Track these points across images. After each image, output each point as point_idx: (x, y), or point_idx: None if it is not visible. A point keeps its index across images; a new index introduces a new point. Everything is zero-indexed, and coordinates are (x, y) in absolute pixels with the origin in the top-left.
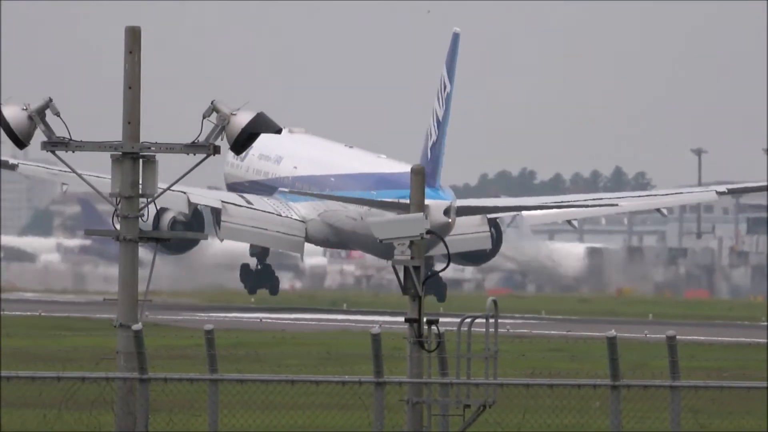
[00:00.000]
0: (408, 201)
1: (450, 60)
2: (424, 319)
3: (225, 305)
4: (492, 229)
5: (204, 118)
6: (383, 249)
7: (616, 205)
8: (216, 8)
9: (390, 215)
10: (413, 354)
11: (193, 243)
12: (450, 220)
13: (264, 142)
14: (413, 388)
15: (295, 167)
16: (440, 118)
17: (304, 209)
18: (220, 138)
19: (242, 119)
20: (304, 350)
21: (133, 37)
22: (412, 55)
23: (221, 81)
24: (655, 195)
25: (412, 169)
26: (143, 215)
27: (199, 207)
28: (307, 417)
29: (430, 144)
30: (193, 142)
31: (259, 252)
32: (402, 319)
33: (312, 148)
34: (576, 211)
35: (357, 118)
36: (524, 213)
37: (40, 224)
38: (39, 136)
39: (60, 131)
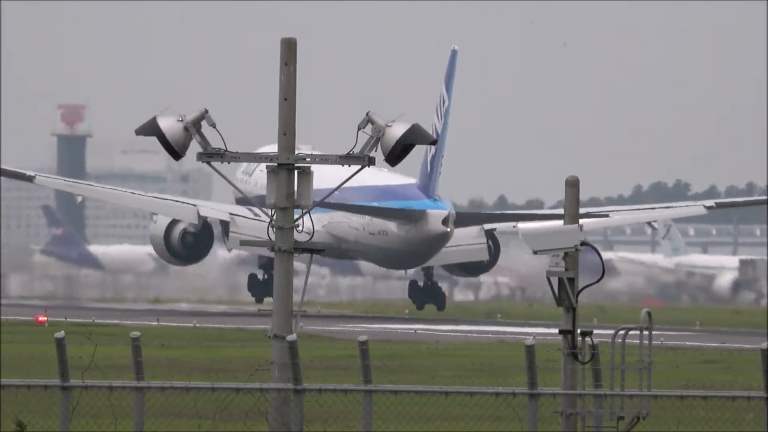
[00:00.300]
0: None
1: (448, 76)
2: (578, 331)
3: (379, 315)
4: (489, 240)
5: (359, 129)
6: (384, 258)
7: (608, 215)
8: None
9: (541, 226)
10: (567, 365)
11: (204, 252)
12: (448, 229)
13: None
14: (567, 399)
15: None
16: (439, 132)
17: (308, 221)
18: (374, 149)
19: (397, 131)
20: (458, 362)
21: (289, 48)
22: (411, 72)
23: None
24: (646, 208)
25: (567, 181)
26: (298, 226)
27: (208, 219)
28: (460, 428)
29: (429, 157)
30: (348, 154)
31: (266, 263)
32: (556, 330)
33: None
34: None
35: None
36: (520, 225)
37: None
38: (195, 147)
39: (215, 142)
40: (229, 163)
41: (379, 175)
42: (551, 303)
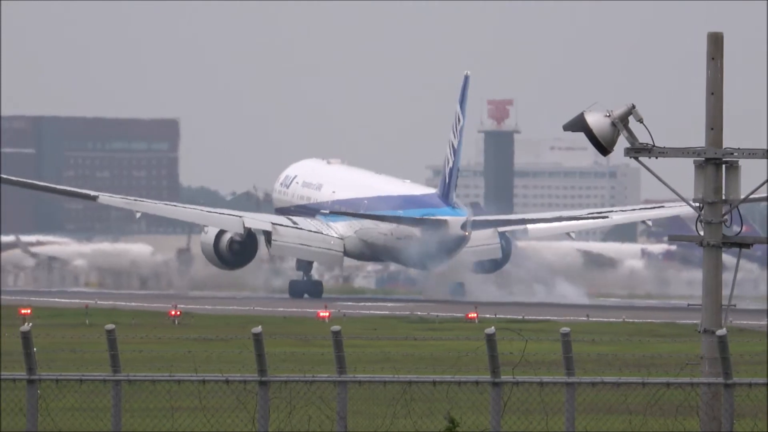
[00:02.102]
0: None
1: (462, 97)
2: None
3: None
4: (502, 241)
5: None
6: (409, 260)
7: (607, 217)
8: None
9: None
10: None
11: (249, 258)
12: (467, 233)
13: (306, 171)
14: None
15: (334, 192)
16: (455, 147)
17: (342, 228)
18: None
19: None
20: None
21: (715, 43)
22: (429, 94)
23: None
24: (642, 209)
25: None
26: (726, 221)
27: (252, 229)
28: None
29: (447, 170)
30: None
31: (305, 265)
32: None
33: (347, 176)
34: (573, 224)
35: (384, 149)
36: (529, 226)
37: (625, 230)
38: (622, 143)
39: (643, 137)
40: (656, 158)
41: (403, 186)
42: None
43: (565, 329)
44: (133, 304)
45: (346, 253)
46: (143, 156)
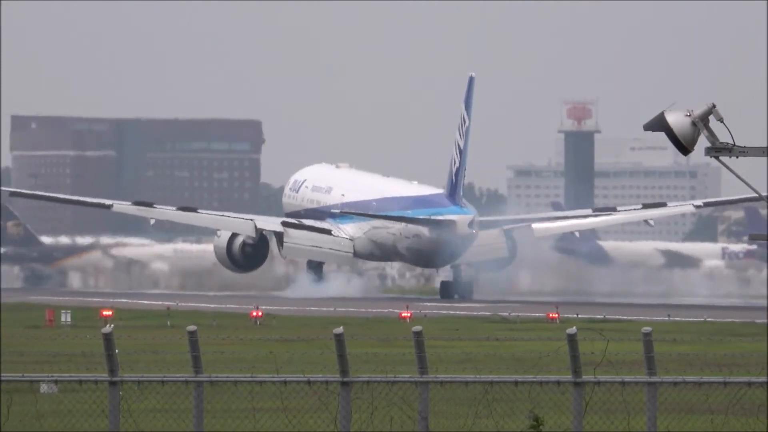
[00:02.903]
0: (438, 217)
1: (467, 99)
2: None
3: None
4: (507, 240)
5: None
6: (418, 259)
7: (611, 213)
8: None
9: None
10: None
11: (261, 260)
12: (474, 231)
13: (316, 176)
14: None
15: (343, 195)
16: (461, 148)
17: (351, 229)
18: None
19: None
20: None
21: None
22: (436, 96)
23: None
24: (639, 209)
25: None
26: None
27: (264, 232)
28: None
29: (453, 170)
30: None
31: (316, 266)
32: None
33: (356, 179)
34: (578, 223)
35: (391, 152)
36: (533, 225)
37: (705, 230)
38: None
39: (723, 137)
40: (737, 157)
41: (411, 187)
42: None
43: (647, 329)
44: (213, 305)
45: (356, 253)
46: (225, 157)
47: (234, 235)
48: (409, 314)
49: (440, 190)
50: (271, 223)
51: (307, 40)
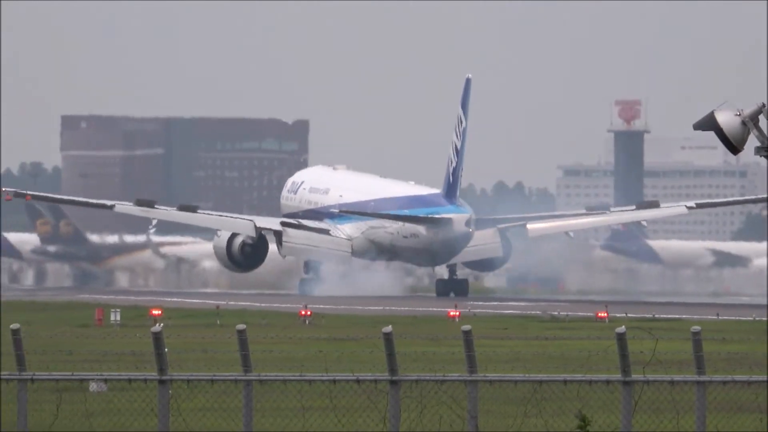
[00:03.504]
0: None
1: (464, 100)
2: None
3: None
4: (502, 240)
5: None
6: (416, 258)
7: (606, 213)
8: None
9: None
10: None
11: (261, 260)
12: (471, 230)
13: (313, 177)
14: None
15: (341, 195)
16: (458, 148)
17: (349, 229)
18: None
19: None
20: None
21: None
22: (433, 96)
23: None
24: (631, 210)
25: None
26: None
27: (263, 231)
28: None
29: (450, 170)
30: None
31: (314, 265)
32: None
33: (354, 180)
34: (572, 223)
35: (388, 153)
36: (528, 225)
37: (754, 229)
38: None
39: None
40: None
41: (408, 188)
42: None
43: (696, 328)
44: (263, 304)
45: (354, 253)
46: (275, 156)
47: (234, 235)
48: (457, 313)
49: (437, 190)
50: (270, 223)
51: (308, 40)
